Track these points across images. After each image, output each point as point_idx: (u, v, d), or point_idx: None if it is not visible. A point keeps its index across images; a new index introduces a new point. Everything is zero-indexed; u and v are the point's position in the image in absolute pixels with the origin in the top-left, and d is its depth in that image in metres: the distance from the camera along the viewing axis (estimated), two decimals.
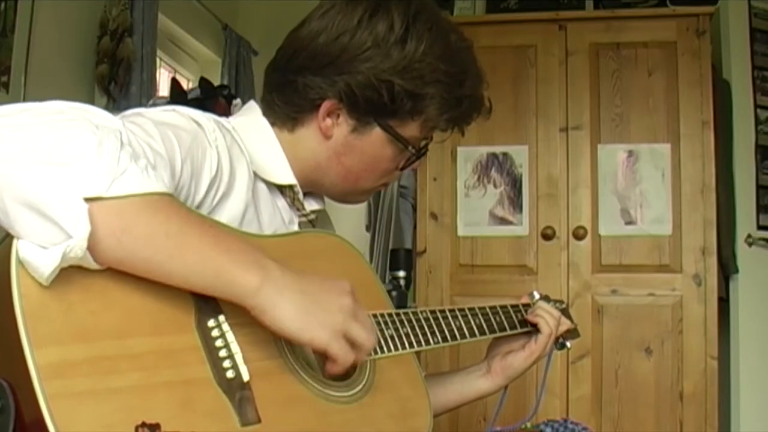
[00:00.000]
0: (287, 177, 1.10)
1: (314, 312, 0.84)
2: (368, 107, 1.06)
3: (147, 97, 2.92)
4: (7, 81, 2.24)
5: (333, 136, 1.09)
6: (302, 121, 1.10)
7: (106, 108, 2.97)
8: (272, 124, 1.12)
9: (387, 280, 3.00)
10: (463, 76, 1.09)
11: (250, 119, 1.12)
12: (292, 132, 1.11)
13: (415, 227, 3.10)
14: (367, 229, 3.50)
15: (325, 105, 1.07)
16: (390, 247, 3.17)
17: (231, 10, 3.98)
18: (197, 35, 3.79)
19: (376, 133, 1.08)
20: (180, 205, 0.81)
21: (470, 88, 1.10)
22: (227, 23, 3.86)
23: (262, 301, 0.81)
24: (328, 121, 1.08)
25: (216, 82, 3.35)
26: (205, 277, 0.79)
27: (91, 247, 0.71)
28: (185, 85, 3.78)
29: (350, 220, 3.67)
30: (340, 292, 0.89)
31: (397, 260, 2.92)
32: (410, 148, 1.11)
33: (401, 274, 2.88)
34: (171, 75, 3.74)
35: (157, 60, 3.22)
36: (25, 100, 2.31)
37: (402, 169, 1.15)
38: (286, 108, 1.10)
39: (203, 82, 3.04)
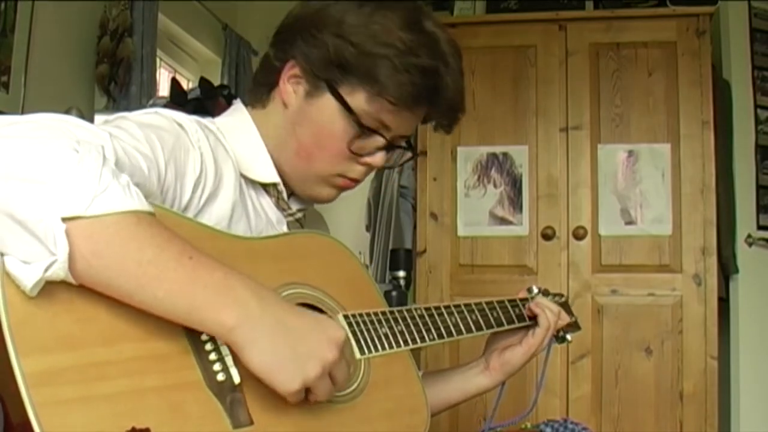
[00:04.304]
0: (270, 175, 1.10)
1: (289, 360, 0.81)
2: (320, 65, 1.04)
3: (147, 97, 2.92)
4: (7, 81, 2.24)
5: (291, 104, 1.07)
6: (270, 93, 1.10)
7: (106, 108, 2.97)
8: (252, 107, 1.12)
9: (387, 280, 3.01)
10: (421, 49, 1.02)
11: (234, 119, 1.12)
12: (264, 108, 1.11)
13: (415, 227, 3.09)
14: (367, 229, 3.50)
15: (287, 67, 1.07)
16: (390, 247, 3.17)
17: (231, 10, 3.98)
18: (197, 35, 3.79)
19: (327, 99, 1.04)
20: (159, 229, 0.77)
21: (429, 61, 1.02)
22: (227, 23, 3.86)
23: (235, 340, 0.79)
24: (289, 87, 1.07)
25: (216, 82, 3.35)
26: (176, 311, 0.77)
27: (68, 267, 0.71)
28: (185, 85, 3.78)
29: (350, 220, 3.67)
30: (329, 342, 0.84)
31: (397, 260, 2.92)
32: (353, 119, 1.04)
33: (401, 274, 2.88)
34: (171, 75, 3.74)
35: (157, 60, 3.22)
36: (25, 100, 2.31)
37: (352, 150, 1.05)
38: (260, 87, 1.12)
39: (203, 82, 3.04)
